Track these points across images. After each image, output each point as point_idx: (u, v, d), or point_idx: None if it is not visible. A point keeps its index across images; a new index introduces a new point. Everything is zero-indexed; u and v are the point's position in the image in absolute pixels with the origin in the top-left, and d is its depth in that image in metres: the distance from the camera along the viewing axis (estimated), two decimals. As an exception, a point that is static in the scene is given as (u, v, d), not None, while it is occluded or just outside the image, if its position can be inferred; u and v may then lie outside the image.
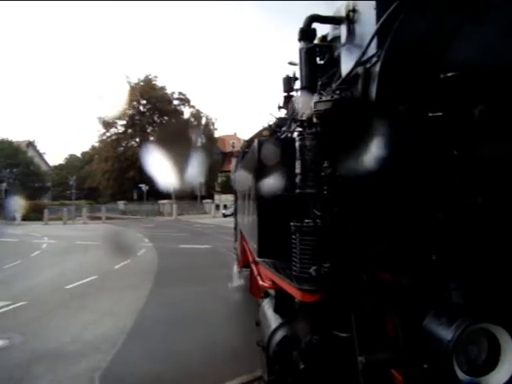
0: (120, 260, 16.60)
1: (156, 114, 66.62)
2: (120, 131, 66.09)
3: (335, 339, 3.02)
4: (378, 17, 2.85)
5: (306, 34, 3.64)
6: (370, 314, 2.94)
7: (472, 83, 2.61)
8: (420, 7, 2.75)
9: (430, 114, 2.60)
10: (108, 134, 66.66)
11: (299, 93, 5.09)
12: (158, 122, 66.65)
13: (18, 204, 44.19)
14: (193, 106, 68.08)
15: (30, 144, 75.36)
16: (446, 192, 2.69)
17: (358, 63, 2.99)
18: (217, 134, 66.80)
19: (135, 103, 64.71)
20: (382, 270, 2.93)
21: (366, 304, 2.94)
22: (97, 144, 69.79)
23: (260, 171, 4.21)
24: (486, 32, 2.69)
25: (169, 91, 67.52)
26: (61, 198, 64.26)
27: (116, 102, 59.97)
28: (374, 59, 2.84)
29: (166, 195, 51.36)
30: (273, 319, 3.89)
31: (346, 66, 3.27)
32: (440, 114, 2.58)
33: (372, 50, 2.88)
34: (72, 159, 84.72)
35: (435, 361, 2.45)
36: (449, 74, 2.61)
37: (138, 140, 64.40)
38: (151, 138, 62.77)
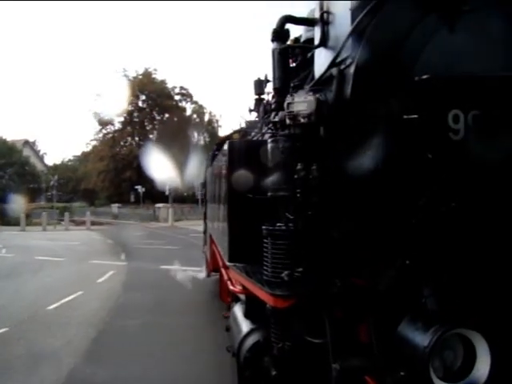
0: (66, 292, 11.83)
1: (156, 110, 60.96)
2: (117, 128, 60.99)
3: (308, 345, 2.96)
4: (353, 18, 2.82)
5: (279, 34, 3.60)
6: (344, 320, 2.89)
7: (446, 87, 2.59)
8: (395, 9, 2.74)
9: (405, 117, 2.58)
10: (104, 132, 61.52)
11: (270, 95, 5.08)
12: (159, 119, 61.81)
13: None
14: (195, 102, 62.60)
15: (27, 143, 71.87)
16: (419, 196, 2.66)
17: (333, 64, 2.95)
18: (221, 132, 58.15)
19: (133, 98, 59.03)
20: (356, 275, 2.88)
21: (339, 309, 2.90)
22: (93, 143, 63.85)
23: (231, 173, 4.14)
24: (460, 36, 2.69)
25: (170, 85, 61.59)
26: (55, 200, 60.39)
27: (113, 98, 58.12)
28: (349, 60, 2.81)
29: (164, 198, 45.15)
30: (243, 325, 3.83)
31: (320, 67, 3.24)
32: (415, 116, 2.56)
33: (347, 51, 2.85)
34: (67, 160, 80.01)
35: (411, 367, 2.42)
36: (423, 77, 2.59)
37: (136, 138, 60.08)
38: (150, 136, 59.36)
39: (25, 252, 21.00)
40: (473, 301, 2.57)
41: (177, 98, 62.17)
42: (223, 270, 5.43)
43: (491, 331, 2.39)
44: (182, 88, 61.93)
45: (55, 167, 73.61)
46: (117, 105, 55.64)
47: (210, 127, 61.56)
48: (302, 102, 2.93)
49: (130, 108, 59.18)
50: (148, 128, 61.22)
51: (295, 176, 2.99)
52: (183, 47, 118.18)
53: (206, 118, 62.02)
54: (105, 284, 13.86)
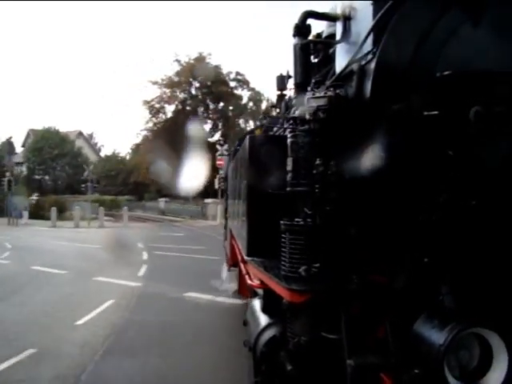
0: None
1: (210, 97, 54.83)
2: (169, 117, 54.58)
3: (324, 341, 2.96)
4: (375, 13, 2.81)
5: (301, 29, 3.59)
6: (361, 317, 2.88)
7: (468, 83, 2.56)
8: (417, 4, 2.72)
9: (426, 113, 2.56)
10: (155, 121, 55.18)
11: (293, 90, 5.07)
12: (213, 108, 55.91)
13: (24, 199, 38.61)
14: (252, 89, 55.95)
15: (81, 134, 71.97)
16: (439, 193, 2.64)
17: (353, 60, 2.94)
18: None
19: (186, 85, 53.44)
20: (374, 271, 2.87)
21: (356, 306, 2.89)
22: (143, 133, 57.35)
23: (250, 169, 4.15)
24: (483, 32, 2.66)
25: (225, 71, 54.57)
26: (105, 192, 57.32)
27: (164, 84, 52.48)
28: (370, 56, 2.80)
29: (215, 193, 37.44)
30: (261, 319, 3.84)
31: (341, 63, 3.22)
32: (436, 112, 2.53)
33: (368, 46, 2.84)
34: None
35: (425, 365, 2.41)
36: (445, 73, 2.57)
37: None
38: (204, 126, 53.24)
39: (26, 258, 17.62)
40: (491, 300, 2.55)
41: (232, 84, 56.09)
42: (242, 265, 5.44)
43: (509, 331, 2.36)
44: (237, 74, 55.85)
45: (106, 159, 70.64)
46: (168, 92, 52.56)
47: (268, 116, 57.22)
48: (322, 98, 2.93)
49: (183, 95, 54.32)
50: (201, 117, 55.25)
51: (314, 171, 2.99)
52: (240, 31, 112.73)
53: (264, 105, 53.97)
54: (82, 331, 8.45)
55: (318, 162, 2.97)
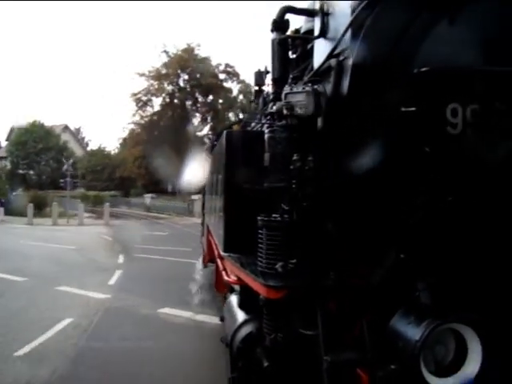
0: None
1: (199, 90, 52.42)
2: (156, 111, 52.57)
3: (300, 337, 2.95)
4: (353, 9, 2.80)
5: (279, 24, 3.58)
6: (337, 313, 2.89)
7: (445, 80, 2.58)
8: (395, 1, 2.72)
9: (403, 109, 2.56)
10: (142, 114, 52.96)
11: (271, 85, 5.06)
12: (202, 101, 53.60)
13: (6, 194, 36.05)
14: (242, 81, 53.37)
15: (67, 128, 69.98)
16: (416, 190, 2.65)
17: (331, 55, 2.93)
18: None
19: (173, 77, 51.07)
20: (350, 268, 2.88)
21: (332, 302, 2.90)
22: (130, 126, 54.99)
23: (227, 164, 4.13)
24: (460, 29, 2.67)
25: (214, 63, 52.44)
26: (90, 188, 55.52)
27: (151, 76, 50.21)
28: (348, 52, 2.78)
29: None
30: (238, 315, 3.82)
31: (319, 59, 3.21)
32: (413, 109, 2.54)
33: (346, 42, 2.83)
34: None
35: (402, 361, 2.42)
36: (422, 69, 2.57)
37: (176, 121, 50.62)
38: (193, 120, 52.25)
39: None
40: (466, 296, 2.57)
41: (222, 76, 53.93)
42: (218, 261, 5.43)
43: (483, 326, 2.38)
44: (227, 66, 53.61)
45: (92, 153, 67.97)
46: (155, 84, 50.38)
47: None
48: (299, 93, 2.92)
49: (170, 88, 52.06)
50: (190, 110, 53.84)
51: (291, 167, 2.98)
52: (229, 21, 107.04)
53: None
54: (19, 366, 6.28)
55: (295, 157, 2.96)
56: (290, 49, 4.06)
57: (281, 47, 3.60)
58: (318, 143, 2.94)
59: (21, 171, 60.94)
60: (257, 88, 6.97)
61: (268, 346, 3.13)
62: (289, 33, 3.96)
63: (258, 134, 3.96)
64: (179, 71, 50.70)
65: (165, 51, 50.70)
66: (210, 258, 8.88)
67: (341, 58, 2.84)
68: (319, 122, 2.92)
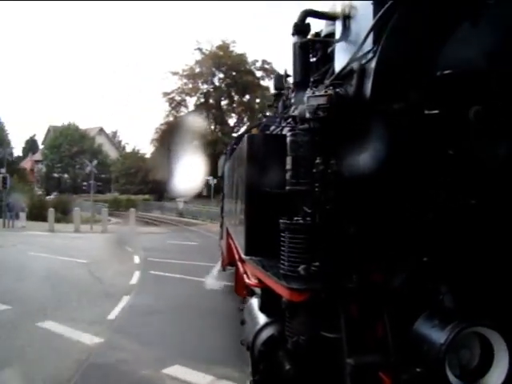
0: None
1: (234, 88, 50.37)
2: (190, 110, 49.40)
3: (323, 340, 2.95)
4: (375, 12, 2.80)
5: (300, 28, 3.59)
6: (360, 316, 2.88)
7: (468, 82, 2.57)
8: (418, 3, 2.71)
9: (426, 112, 2.56)
10: (175, 114, 49.96)
11: (290, 90, 5.07)
12: (238, 100, 51.50)
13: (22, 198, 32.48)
14: None
15: (102, 131, 69.72)
16: (439, 192, 2.64)
17: (353, 59, 2.93)
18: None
19: (208, 75, 48.30)
20: (374, 270, 2.87)
21: (355, 305, 2.89)
22: (164, 127, 51.02)
23: (249, 167, 4.14)
24: (483, 31, 2.66)
25: (250, 59, 49.94)
26: (124, 191, 54.77)
27: (185, 75, 47.72)
28: (370, 55, 2.79)
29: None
30: (258, 318, 3.83)
31: (340, 62, 3.21)
32: (436, 111, 2.53)
33: (368, 45, 2.83)
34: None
35: (426, 364, 2.41)
36: (445, 72, 2.57)
37: (212, 121, 49.02)
38: (229, 121, 50.51)
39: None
40: (491, 299, 2.55)
41: (258, 74, 51.19)
42: (239, 264, 5.44)
43: (510, 330, 2.36)
44: (264, 62, 50.60)
45: (125, 156, 64.73)
46: (189, 83, 47.95)
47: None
48: (321, 96, 2.92)
49: (205, 87, 49.34)
50: (225, 110, 51.98)
51: (314, 170, 2.98)
52: (266, 16, 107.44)
53: (293, 97, 51.77)
54: None
55: (317, 160, 2.96)
56: (310, 52, 4.07)
57: (302, 51, 3.61)
58: (341, 146, 2.94)
59: (55, 175, 61.04)
60: (276, 92, 6.99)
61: (290, 348, 3.14)
62: (309, 36, 3.97)
63: (280, 137, 3.97)
64: (214, 69, 48.19)
65: (199, 48, 48.14)
66: (229, 261, 8.89)
67: (363, 61, 2.84)
68: (341, 124, 2.93)
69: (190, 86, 48.77)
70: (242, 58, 49.56)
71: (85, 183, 41.17)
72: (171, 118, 49.65)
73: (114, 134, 73.19)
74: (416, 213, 2.69)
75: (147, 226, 34.29)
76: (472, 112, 2.55)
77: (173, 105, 50.01)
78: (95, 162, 36.36)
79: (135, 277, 13.20)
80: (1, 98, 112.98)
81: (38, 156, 67.17)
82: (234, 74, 48.45)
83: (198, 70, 48.62)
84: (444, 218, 2.65)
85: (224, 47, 47.95)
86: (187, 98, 50.22)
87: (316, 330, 2.99)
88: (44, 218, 30.77)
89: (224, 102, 51.79)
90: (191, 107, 50.23)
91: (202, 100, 49.79)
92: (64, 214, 33.78)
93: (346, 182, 2.90)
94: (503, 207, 2.65)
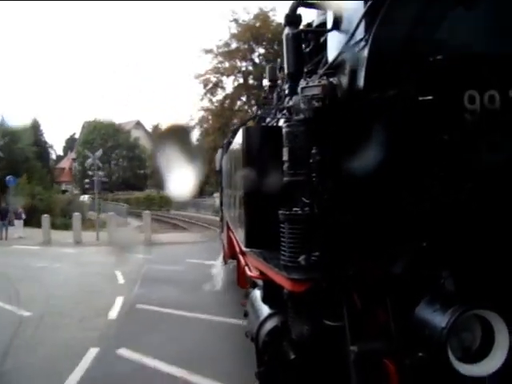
0: None
1: None
2: (228, 93, 41.37)
3: (326, 329, 2.97)
4: (366, 0, 2.80)
5: (292, 19, 3.59)
6: (362, 303, 2.90)
7: (461, 67, 2.57)
8: None
9: (420, 98, 2.56)
10: (211, 97, 41.65)
11: (284, 81, 5.07)
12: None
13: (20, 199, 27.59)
14: None
15: (139, 124, 65.23)
16: (436, 179, 2.65)
17: (346, 48, 2.94)
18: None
19: (246, 51, 40.41)
20: (373, 258, 2.88)
21: (357, 292, 2.91)
22: (200, 114, 42.73)
23: (246, 160, 4.15)
24: (476, 14, 2.66)
25: None
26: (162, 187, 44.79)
27: (220, 52, 39.58)
28: (362, 43, 2.79)
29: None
30: (262, 310, 3.85)
31: (333, 51, 3.22)
32: (430, 97, 2.54)
33: (360, 34, 2.83)
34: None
35: (429, 349, 2.43)
36: (438, 57, 2.57)
37: (253, 103, 39.90)
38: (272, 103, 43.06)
39: None
40: (491, 282, 2.57)
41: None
42: (240, 257, 5.45)
43: (510, 312, 2.38)
44: None
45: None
46: (225, 61, 39.71)
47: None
48: (315, 86, 2.93)
49: (244, 64, 41.25)
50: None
51: (310, 160, 2.99)
52: None
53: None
54: None
55: (314, 150, 2.97)
56: (303, 43, 4.06)
57: (294, 41, 3.60)
58: (336, 135, 2.94)
59: (90, 172, 57.59)
60: (270, 83, 6.99)
61: (294, 338, 3.16)
62: (301, 27, 3.96)
63: (276, 128, 3.97)
64: (253, 44, 40.19)
65: (234, 20, 39.47)
66: (230, 255, 8.91)
67: (355, 49, 2.85)
68: (336, 114, 2.93)
69: (227, 64, 41.20)
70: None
71: (86, 180, 34.91)
72: (207, 103, 42.09)
73: (155, 127, 63.98)
74: (414, 199, 2.70)
75: (172, 230, 28.71)
76: (466, 96, 2.56)
77: (208, 87, 41.51)
78: (100, 152, 29.19)
79: (82, 366, 6.54)
80: (38, 99, 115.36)
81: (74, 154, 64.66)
82: (275, 48, 38.94)
83: (234, 45, 40.88)
84: (442, 203, 2.66)
85: (262, 17, 39.39)
86: (223, 79, 41.78)
87: (319, 319, 3.01)
88: (52, 225, 24.49)
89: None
90: (229, 89, 42.23)
91: (241, 80, 41.63)
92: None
93: (342, 172, 2.91)
94: (500, 191, 2.67)
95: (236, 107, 41.04)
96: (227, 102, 41.11)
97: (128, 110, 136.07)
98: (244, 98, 40.64)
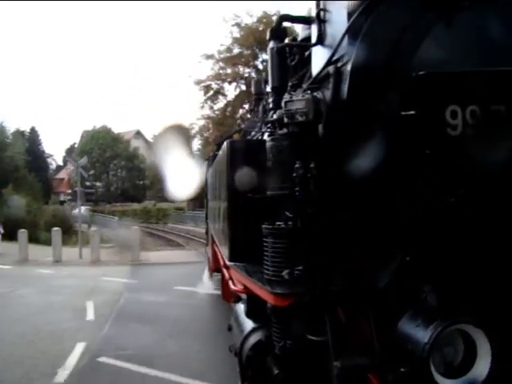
0: None
1: None
2: (230, 100, 39.46)
3: (309, 344, 2.96)
4: (349, 16, 2.82)
5: (277, 33, 3.61)
6: (345, 318, 2.89)
7: (443, 83, 2.59)
8: (391, 6, 2.74)
9: (403, 113, 2.58)
10: (212, 106, 39.90)
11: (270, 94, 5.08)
12: None
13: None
14: None
15: (139, 134, 63.41)
16: (418, 192, 2.66)
17: (329, 62, 2.95)
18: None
19: (249, 56, 38.28)
20: (356, 272, 2.88)
21: (340, 307, 2.90)
22: (200, 123, 40.91)
23: (230, 173, 4.14)
24: (457, 31, 2.69)
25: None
26: (162, 199, 45.61)
27: (221, 57, 37.88)
28: (346, 58, 2.81)
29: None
30: (245, 324, 3.83)
31: (317, 66, 3.23)
32: (412, 112, 2.56)
33: (343, 49, 2.85)
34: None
35: (411, 364, 2.42)
36: (420, 73, 2.59)
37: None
38: None
39: None
40: (473, 297, 2.57)
41: None
42: (225, 270, 5.43)
43: (492, 327, 2.38)
44: None
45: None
46: (226, 67, 37.35)
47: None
48: (299, 101, 2.93)
49: (246, 71, 39.35)
50: None
51: (294, 174, 2.99)
52: None
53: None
54: None
55: (297, 164, 2.97)
56: (287, 57, 4.08)
57: (279, 55, 3.62)
58: (320, 150, 2.95)
59: (88, 183, 51.93)
60: (256, 97, 7.01)
61: (277, 353, 3.14)
62: (286, 41, 3.99)
63: (260, 142, 3.98)
64: (256, 49, 37.58)
65: (236, 24, 37.80)
66: (215, 268, 8.88)
67: (339, 64, 2.86)
68: (320, 128, 2.94)
69: (229, 70, 39.43)
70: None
71: (69, 191, 35.32)
72: (208, 111, 40.18)
73: (140, 132, 64.25)
74: (397, 213, 2.70)
75: (166, 247, 26.43)
76: (448, 112, 2.58)
77: (209, 94, 39.64)
78: (84, 159, 25.17)
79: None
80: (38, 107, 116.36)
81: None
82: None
83: (236, 50, 39.13)
84: (425, 217, 2.67)
85: (266, 20, 36.36)
86: (225, 85, 40.16)
87: (302, 334, 2.99)
88: (36, 239, 23.80)
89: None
90: (230, 96, 40.34)
91: (243, 87, 39.20)
92: (67, 234, 25.14)
93: (326, 185, 2.91)
94: (482, 205, 2.68)
95: (238, 115, 38.50)
96: (229, 109, 39.21)
97: (128, 111, 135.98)
98: (246, 106, 36.64)
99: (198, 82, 38.75)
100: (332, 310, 2.90)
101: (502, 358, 2.38)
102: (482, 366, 2.38)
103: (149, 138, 61.17)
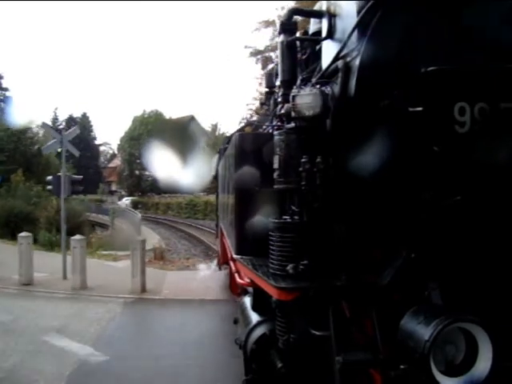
0: None
1: None
2: None
3: (313, 338, 2.96)
4: (359, 10, 2.80)
5: (287, 26, 3.58)
6: (348, 313, 2.89)
7: (452, 79, 2.57)
8: (400, 2, 2.72)
9: (411, 109, 2.56)
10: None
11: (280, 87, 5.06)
12: None
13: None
14: None
15: (193, 119, 59.30)
16: (425, 189, 2.65)
17: (338, 57, 2.93)
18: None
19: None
20: (361, 268, 2.87)
21: (344, 303, 2.90)
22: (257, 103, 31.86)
23: (238, 166, 4.15)
24: (465, 27, 2.67)
25: None
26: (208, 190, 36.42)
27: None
28: (355, 53, 2.79)
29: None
30: (251, 317, 3.84)
31: (327, 60, 3.22)
32: (420, 108, 2.54)
33: (352, 43, 2.83)
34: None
35: (412, 361, 2.41)
36: (429, 69, 2.57)
37: None
38: None
39: None
40: (476, 295, 2.56)
41: None
42: (231, 263, 5.44)
43: (493, 325, 2.37)
44: None
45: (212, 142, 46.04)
46: None
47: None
48: (307, 95, 2.92)
49: None
50: None
51: (300, 169, 2.98)
52: None
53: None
54: None
55: (304, 159, 2.96)
56: (298, 50, 4.06)
57: (289, 49, 3.60)
58: (327, 144, 2.94)
59: (137, 172, 49.46)
60: (267, 90, 6.98)
61: (281, 347, 3.15)
62: (297, 35, 3.96)
63: (269, 136, 3.97)
64: None
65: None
66: (224, 261, 8.90)
67: (348, 59, 2.85)
68: (327, 123, 2.93)
69: None
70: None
71: (48, 178, 14.80)
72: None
73: (215, 126, 55.36)
74: (403, 210, 2.69)
75: (199, 259, 18.45)
76: (456, 108, 2.56)
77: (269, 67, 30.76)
78: (73, 130, 13.00)
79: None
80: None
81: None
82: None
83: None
84: (431, 214, 2.66)
85: None
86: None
87: (306, 329, 2.99)
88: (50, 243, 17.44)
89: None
90: None
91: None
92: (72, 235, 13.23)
93: (332, 180, 2.90)
94: (489, 203, 2.66)
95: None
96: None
97: (182, 96, 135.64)
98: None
99: (256, 53, 32.80)
100: (336, 305, 2.90)
101: (503, 357, 2.37)
102: (483, 365, 2.37)
103: (204, 125, 58.07)
